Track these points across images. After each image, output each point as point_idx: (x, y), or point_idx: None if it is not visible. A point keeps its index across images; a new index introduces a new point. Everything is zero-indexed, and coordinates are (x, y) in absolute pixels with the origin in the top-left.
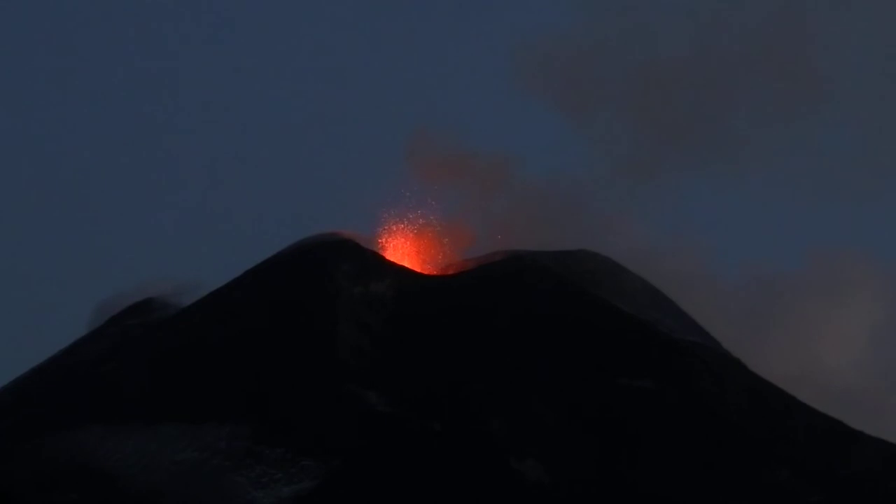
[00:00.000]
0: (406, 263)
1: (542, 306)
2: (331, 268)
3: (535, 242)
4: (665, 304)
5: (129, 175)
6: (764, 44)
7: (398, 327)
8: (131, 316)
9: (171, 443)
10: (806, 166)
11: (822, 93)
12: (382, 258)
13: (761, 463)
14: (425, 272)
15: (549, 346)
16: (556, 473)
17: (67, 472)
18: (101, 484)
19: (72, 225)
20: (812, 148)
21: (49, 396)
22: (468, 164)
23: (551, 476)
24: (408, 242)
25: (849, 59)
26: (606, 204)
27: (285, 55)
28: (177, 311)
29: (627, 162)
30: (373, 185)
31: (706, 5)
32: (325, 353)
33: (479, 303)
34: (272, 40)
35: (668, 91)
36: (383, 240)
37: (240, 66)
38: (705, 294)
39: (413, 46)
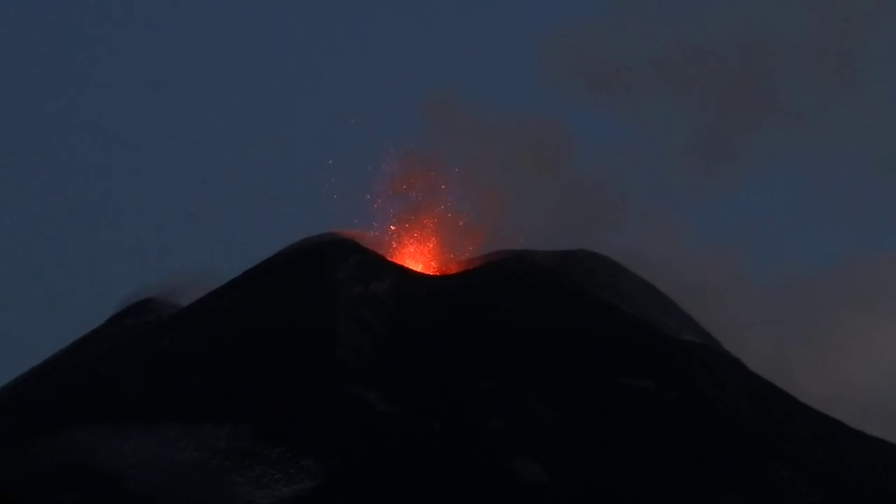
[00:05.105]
0: (407, 263)
1: (542, 306)
2: (331, 268)
3: (541, 241)
4: (665, 304)
5: (129, 175)
6: (803, 38)
7: (398, 327)
8: (131, 316)
9: (171, 443)
10: (840, 165)
11: (858, 89)
12: (382, 258)
13: (761, 463)
14: (426, 272)
15: (550, 346)
16: (555, 473)
17: (67, 472)
18: (101, 484)
19: (71, 225)
20: (846, 147)
21: (49, 396)
22: (478, 158)
23: (551, 476)
24: (411, 241)
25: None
26: (639, 199)
27: (289, 51)
28: (177, 311)
29: (658, 156)
30: (375, 184)
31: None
32: (325, 353)
33: (480, 302)
34: (276, 35)
35: (703, 83)
36: (385, 239)
37: (240, 62)
38: (735, 298)
39: (424, 39)
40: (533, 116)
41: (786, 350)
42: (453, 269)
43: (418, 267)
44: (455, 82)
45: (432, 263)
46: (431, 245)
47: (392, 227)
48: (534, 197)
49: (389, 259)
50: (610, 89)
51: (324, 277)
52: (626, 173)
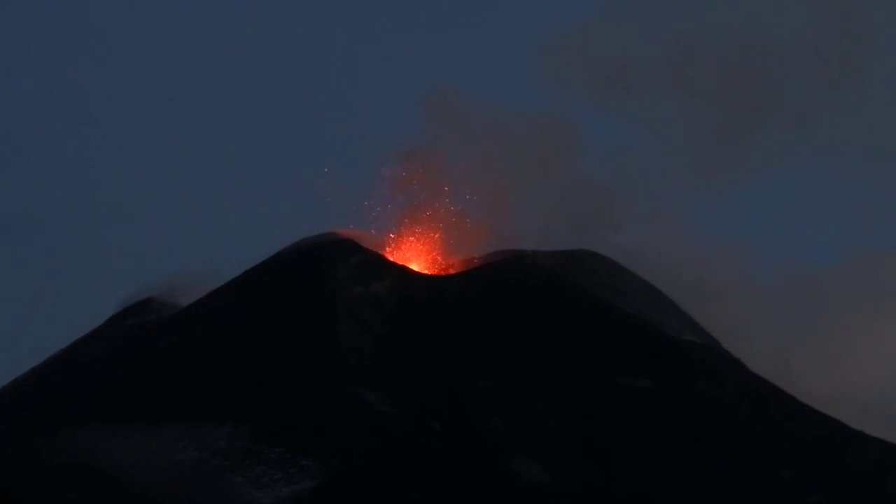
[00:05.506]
0: (408, 263)
1: (542, 306)
2: (331, 268)
3: (542, 240)
4: (665, 304)
5: (130, 175)
6: (804, 38)
7: (398, 327)
8: (130, 316)
9: (171, 443)
10: (842, 165)
11: (861, 89)
12: (383, 258)
13: (761, 463)
14: (426, 272)
15: (550, 345)
16: (555, 473)
17: (67, 472)
18: (101, 484)
19: (72, 225)
20: (848, 147)
21: (49, 396)
22: (482, 158)
23: (551, 476)
24: (411, 241)
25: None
26: (641, 200)
27: (291, 50)
28: (177, 311)
29: (659, 156)
30: (376, 184)
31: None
32: (325, 354)
33: (480, 302)
34: (278, 34)
35: (704, 84)
36: (385, 239)
37: (241, 61)
38: (736, 298)
39: (427, 38)
40: (534, 116)
41: (786, 350)
42: (454, 269)
43: (418, 267)
44: (457, 82)
45: (433, 263)
46: (432, 245)
47: (393, 227)
48: (534, 196)
49: (389, 259)
50: (611, 89)
51: (324, 277)
52: (626, 173)
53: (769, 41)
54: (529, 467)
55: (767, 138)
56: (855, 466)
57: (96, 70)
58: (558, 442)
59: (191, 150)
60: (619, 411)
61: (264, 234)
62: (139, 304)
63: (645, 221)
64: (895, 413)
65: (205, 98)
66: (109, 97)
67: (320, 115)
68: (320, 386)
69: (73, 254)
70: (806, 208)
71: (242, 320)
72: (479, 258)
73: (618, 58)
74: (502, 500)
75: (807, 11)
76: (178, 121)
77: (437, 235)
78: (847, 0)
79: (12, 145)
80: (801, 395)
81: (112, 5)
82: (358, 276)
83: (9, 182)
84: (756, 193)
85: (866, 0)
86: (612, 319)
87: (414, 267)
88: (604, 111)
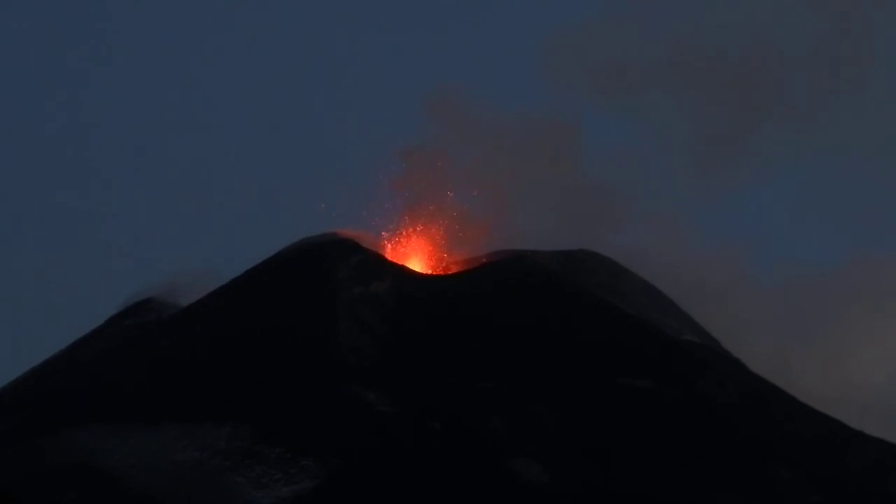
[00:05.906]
0: (408, 263)
1: (542, 306)
2: (331, 268)
3: (542, 240)
4: (665, 304)
5: (130, 175)
6: (805, 38)
7: (398, 327)
8: (131, 316)
9: (171, 443)
10: (843, 165)
11: (862, 89)
12: (383, 258)
13: (761, 463)
14: (426, 272)
15: (550, 345)
16: (555, 473)
17: (67, 472)
18: (101, 484)
19: (72, 225)
20: (849, 147)
21: (49, 396)
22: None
23: (551, 476)
24: (412, 241)
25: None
26: (641, 201)
27: (292, 49)
28: (177, 311)
29: (660, 156)
30: (376, 183)
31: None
32: (325, 353)
33: (480, 302)
34: (279, 34)
35: (705, 83)
36: (386, 239)
37: (243, 60)
38: (736, 298)
39: (428, 38)
40: (534, 116)
41: (786, 350)
42: (454, 269)
43: (419, 267)
44: (458, 81)
45: (433, 263)
46: (432, 245)
47: (393, 227)
48: (535, 196)
49: (389, 259)
50: (613, 89)
51: (324, 277)
52: (627, 173)
53: (769, 41)
54: (529, 467)
55: (767, 138)
56: (855, 466)
57: (96, 69)
58: (558, 442)
59: (191, 150)
60: (619, 411)
61: (264, 234)
62: (139, 304)
63: (645, 221)
64: (895, 413)
65: (205, 98)
66: (109, 97)
67: (320, 115)
68: (320, 386)
69: (73, 254)
70: (806, 208)
71: (242, 320)
72: (479, 258)
73: (618, 58)
74: (502, 500)
75: (807, 11)
76: (179, 121)
77: (437, 235)
78: (847, 0)
79: (12, 145)
80: (801, 395)
81: (112, 5)
82: (358, 276)
83: (9, 182)
84: (756, 193)
85: (866, 0)
86: (612, 319)
87: (414, 267)
88: (604, 111)
